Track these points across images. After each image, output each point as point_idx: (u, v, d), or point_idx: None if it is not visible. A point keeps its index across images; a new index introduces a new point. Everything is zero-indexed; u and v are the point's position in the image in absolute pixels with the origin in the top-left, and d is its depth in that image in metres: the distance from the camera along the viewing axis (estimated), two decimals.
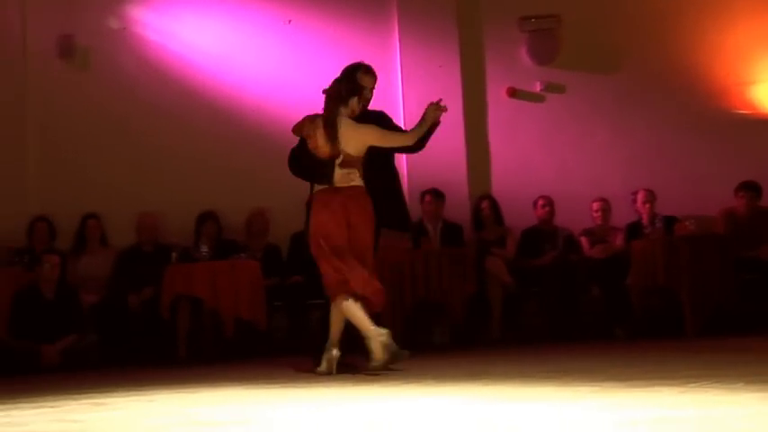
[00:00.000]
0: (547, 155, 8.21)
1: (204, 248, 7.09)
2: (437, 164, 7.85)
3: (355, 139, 5.00)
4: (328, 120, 5.01)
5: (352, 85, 5.09)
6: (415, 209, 7.78)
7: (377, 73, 5.32)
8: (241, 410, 3.63)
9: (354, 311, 4.95)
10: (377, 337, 4.84)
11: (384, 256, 7.20)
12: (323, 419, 3.21)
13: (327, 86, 5.11)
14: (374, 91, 5.29)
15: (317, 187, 5.12)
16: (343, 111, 5.05)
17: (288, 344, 7.31)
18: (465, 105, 8.10)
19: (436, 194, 7.70)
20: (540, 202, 7.83)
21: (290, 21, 8.10)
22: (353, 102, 5.07)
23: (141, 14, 8.01)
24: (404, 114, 8.00)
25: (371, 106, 5.36)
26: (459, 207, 7.89)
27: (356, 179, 5.03)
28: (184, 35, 8.01)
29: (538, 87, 8.28)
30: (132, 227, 7.68)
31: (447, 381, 4.34)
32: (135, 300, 7.19)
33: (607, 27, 8.33)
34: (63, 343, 6.69)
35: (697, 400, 3.15)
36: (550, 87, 8.28)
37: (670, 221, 7.44)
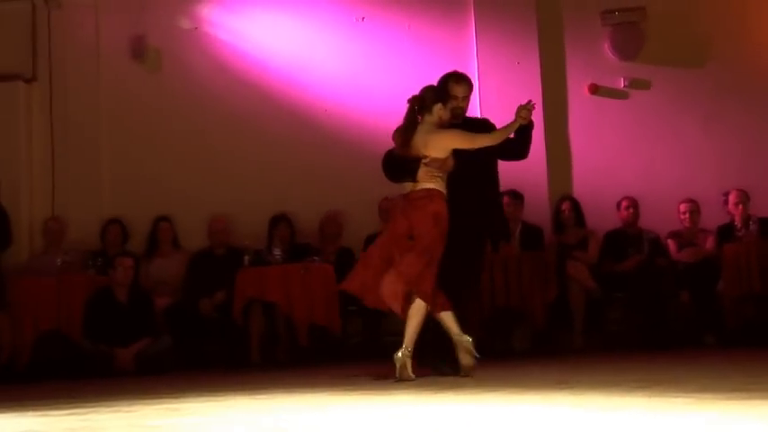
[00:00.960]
0: (631, 154, 7.91)
1: (277, 252, 7.02)
2: (515, 164, 7.57)
3: (434, 142, 5.03)
4: (403, 125, 5.13)
5: (438, 93, 5.17)
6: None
7: (471, 80, 5.38)
8: (317, 416, 3.56)
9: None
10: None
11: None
12: (398, 426, 3.04)
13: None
14: (468, 99, 5.32)
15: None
16: (428, 118, 5.12)
17: (362, 349, 7.16)
18: (544, 103, 7.81)
19: (515, 196, 7.47)
20: (624, 204, 7.54)
21: (363, 18, 7.98)
22: (437, 108, 5.11)
23: (212, 14, 8.02)
24: (480, 111, 7.78)
25: None
26: (538, 209, 7.66)
27: (432, 181, 5.03)
28: (256, 35, 7.98)
29: (621, 83, 8.01)
30: (204, 229, 7.65)
31: (528, 389, 4.14)
32: (207, 304, 7.14)
33: (694, 18, 8.00)
34: (137, 346, 6.68)
35: None
36: (635, 83, 7.99)
37: (766, 224, 7.07)
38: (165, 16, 7.95)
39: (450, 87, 5.22)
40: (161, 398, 4.49)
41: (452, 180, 5.07)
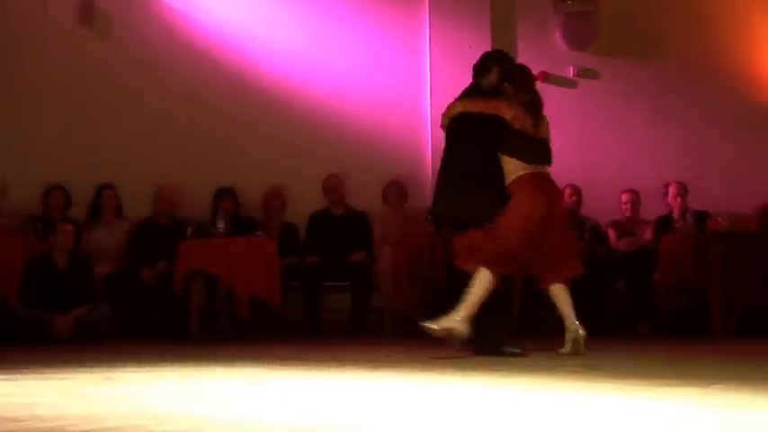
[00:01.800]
0: (577, 143, 7.97)
1: (221, 224, 6.98)
2: None
3: (545, 126, 5.29)
4: (535, 104, 5.24)
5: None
6: None
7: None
8: (253, 390, 3.58)
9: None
10: None
11: (405, 240, 7.12)
12: (310, 401, 3.07)
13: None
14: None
15: (520, 170, 5.13)
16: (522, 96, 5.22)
17: (302, 325, 7.18)
18: None
19: None
20: (568, 191, 7.61)
21: None
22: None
23: None
24: (431, 95, 7.82)
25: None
26: None
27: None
28: (208, 4, 7.86)
29: (571, 72, 8.08)
30: (149, 199, 7.56)
31: (461, 369, 4.18)
32: (149, 273, 7.09)
33: (647, 12, 8.09)
34: (75, 313, 6.59)
35: (720, 402, 3.06)
36: (584, 73, 8.07)
37: (702, 217, 7.21)
38: None
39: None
40: (98, 366, 4.48)
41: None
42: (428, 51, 7.93)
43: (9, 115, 7.74)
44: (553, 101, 8.00)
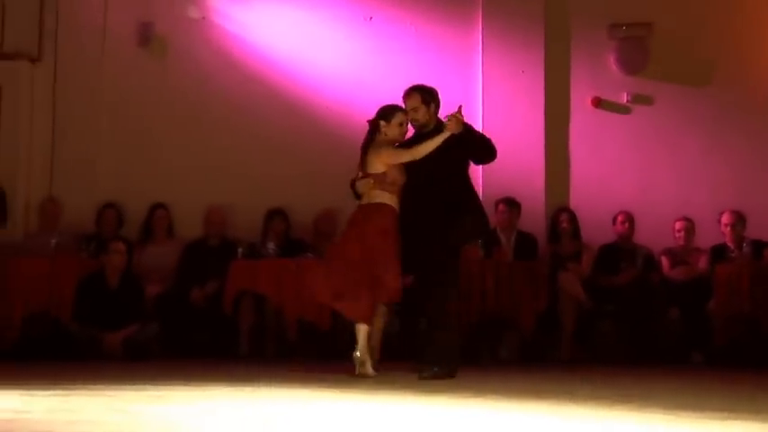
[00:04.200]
0: (630, 169, 7.91)
1: (271, 245, 7.02)
2: (514, 172, 7.63)
3: (370, 159, 5.46)
4: (362, 146, 5.53)
5: (383, 111, 5.52)
6: (488, 217, 7.58)
7: (419, 92, 5.57)
8: (300, 410, 3.58)
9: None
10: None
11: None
12: (373, 425, 3.04)
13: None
14: (419, 109, 5.51)
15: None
16: (377, 137, 5.49)
17: (351, 347, 7.15)
18: (547, 113, 7.87)
19: (510, 204, 7.48)
20: (620, 218, 7.54)
21: (371, 17, 7.98)
22: (382, 126, 5.47)
23: (221, 5, 7.99)
24: (483, 118, 7.80)
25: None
26: (534, 218, 7.64)
27: (379, 196, 5.42)
28: (263, 28, 7.97)
29: (625, 98, 7.99)
30: (200, 219, 7.64)
31: (508, 397, 4.14)
32: (198, 293, 7.14)
33: (701, 37, 7.98)
34: (125, 332, 6.65)
35: None
36: (638, 99, 7.98)
37: (759, 246, 7.07)
38: (173, 4, 7.93)
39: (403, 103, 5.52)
40: (145, 384, 4.51)
41: (417, 191, 5.37)
42: (481, 74, 7.91)
43: (66, 135, 7.90)
44: (606, 127, 8.00)
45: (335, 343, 7.11)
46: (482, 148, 5.52)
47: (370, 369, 5.27)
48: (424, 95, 5.53)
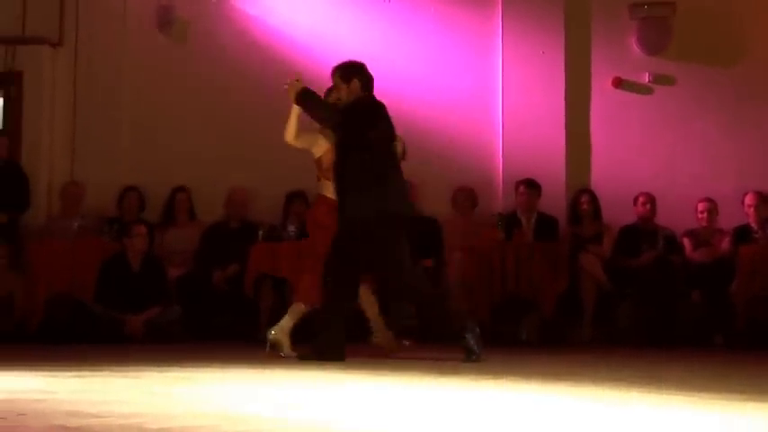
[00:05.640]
0: (651, 150, 7.85)
1: (291, 228, 7.02)
2: (534, 154, 7.61)
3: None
4: None
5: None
6: (509, 199, 7.57)
7: (337, 70, 5.36)
8: (319, 392, 3.59)
9: None
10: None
11: (474, 246, 7.07)
12: (393, 408, 3.05)
13: None
14: (340, 88, 5.31)
15: None
16: None
17: (372, 330, 7.16)
18: (567, 94, 7.81)
19: (531, 185, 7.45)
20: (641, 199, 7.49)
21: (389, 0, 7.94)
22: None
23: None
24: (502, 100, 7.77)
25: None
26: (554, 199, 7.61)
27: (319, 186, 5.51)
28: (282, 9, 7.95)
29: (646, 78, 7.92)
30: (221, 202, 7.66)
31: (528, 378, 4.14)
32: (219, 276, 7.17)
33: (725, 16, 7.88)
34: (147, 314, 6.70)
35: None
36: (659, 79, 7.91)
37: None
38: None
39: None
40: (169, 366, 4.54)
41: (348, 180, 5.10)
42: (500, 56, 7.86)
43: (88, 119, 7.95)
44: (627, 107, 7.94)
45: (357, 324, 7.15)
46: (315, 116, 5.33)
47: (287, 350, 5.31)
48: (343, 73, 5.29)
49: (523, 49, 7.82)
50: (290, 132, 5.33)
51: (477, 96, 7.90)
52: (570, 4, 7.88)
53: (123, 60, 7.95)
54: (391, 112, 8.05)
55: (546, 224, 7.41)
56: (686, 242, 7.39)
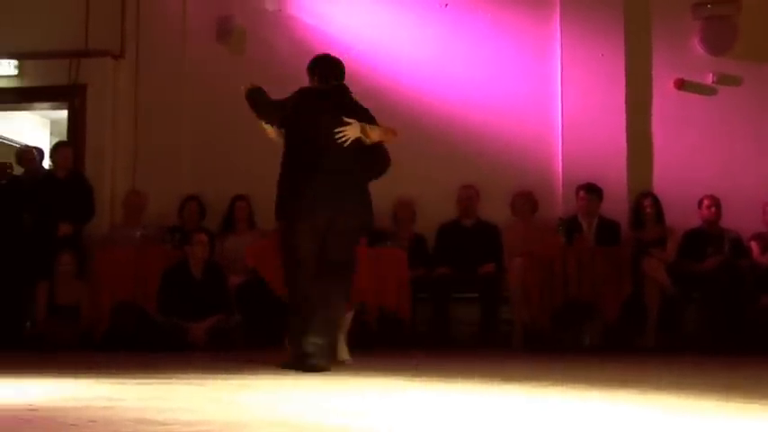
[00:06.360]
0: (715, 152, 7.70)
1: None
2: (595, 157, 7.53)
3: None
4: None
5: None
6: (569, 204, 7.49)
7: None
8: (384, 399, 3.58)
9: None
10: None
11: (534, 251, 7.00)
12: (460, 415, 3.02)
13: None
14: (314, 79, 5.38)
15: None
16: None
17: (431, 337, 7.15)
18: (628, 96, 7.71)
19: (591, 190, 7.37)
20: (706, 203, 7.35)
21: (446, 4, 7.93)
22: None
23: None
24: (562, 103, 7.69)
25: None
26: (616, 203, 7.50)
27: None
28: (339, 18, 7.98)
29: (710, 79, 7.78)
30: None
31: (592, 385, 4.07)
32: None
33: None
34: (209, 322, 6.74)
35: None
36: (724, 79, 7.75)
37: None
38: None
39: None
40: (232, 374, 4.56)
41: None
42: (560, 60, 7.79)
43: (149, 129, 8.07)
44: (690, 109, 7.80)
45: (414, 332, 7.14)
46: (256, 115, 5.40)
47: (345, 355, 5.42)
48: (307, 70, 5.40)
49: (582, 51, 7.74)
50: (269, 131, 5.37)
51: (535, 100, 7.83)
52: (630, 6, 7.77)
53: (183, 71, 8.06)
54: (450, 117, 8.03)
55: (607, 228, 7.32)
56: (754, 246, 7.23)
